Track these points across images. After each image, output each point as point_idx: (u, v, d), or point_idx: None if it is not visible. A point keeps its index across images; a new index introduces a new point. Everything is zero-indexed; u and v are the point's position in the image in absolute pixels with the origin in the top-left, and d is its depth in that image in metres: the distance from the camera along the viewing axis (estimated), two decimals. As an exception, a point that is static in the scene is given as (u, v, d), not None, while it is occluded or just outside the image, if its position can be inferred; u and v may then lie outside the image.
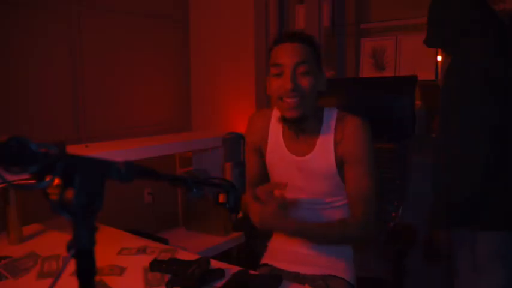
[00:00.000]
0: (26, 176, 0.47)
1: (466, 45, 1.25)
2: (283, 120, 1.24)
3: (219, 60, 3.37)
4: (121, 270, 1.18)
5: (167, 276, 1.12)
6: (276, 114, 1.35)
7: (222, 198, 0.98)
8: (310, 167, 1.28)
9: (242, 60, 3.18)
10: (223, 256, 2.23)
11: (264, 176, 1.41)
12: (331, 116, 1.28)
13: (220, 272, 1.11)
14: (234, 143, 1.12)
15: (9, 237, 1.44)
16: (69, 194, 0.50)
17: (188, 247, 2.05)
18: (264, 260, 1.43)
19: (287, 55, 1.19)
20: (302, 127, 1.26)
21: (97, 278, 0.63)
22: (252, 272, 1.12)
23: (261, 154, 1.39)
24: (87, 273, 0.52)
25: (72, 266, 0.52)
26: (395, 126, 1.53)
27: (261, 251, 1.47)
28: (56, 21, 2.61)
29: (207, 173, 2.30)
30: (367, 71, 2.38)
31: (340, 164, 1.26)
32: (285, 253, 1.38)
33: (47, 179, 0.48)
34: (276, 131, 1.34)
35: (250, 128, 1.42)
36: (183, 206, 3.01)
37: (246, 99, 3.17)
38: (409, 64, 1.90)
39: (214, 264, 1.17)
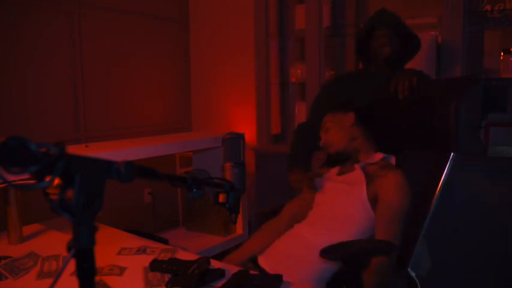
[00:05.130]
0: (26, 176, 0.47)
1: None
2: None
3: (219, 60, 3.36)
4: (121, 270, 1.18)
5: (167, 276, 1.12)
6: None
7: (222, 198, 0.98)
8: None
9: (242, 60, 3.18)
10: (223, 256, 2.23)
11: None
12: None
13: (220, 272, 1.11)
14: (234, 143, 1.11)
15: (9, 237, 1.44)
16: (69, 194, 0.50)
17: (188, 247, 2.05)
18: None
19: None
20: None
21: (97, 278, 0.63)
22: (252, 272, 1.12)
23: None
24: (87, 273, 0.52)
25: (72, 266, 0.52)
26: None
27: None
28: (57, 21, 2.61)
29: (207, 173, 2.29)
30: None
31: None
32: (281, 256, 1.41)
33: (47, 179, 0.48)
34: None
35: None
36: (183, 206, 3.01)
37: (246, 99, 3.18)
38: (408, 64, 1.90)
39: (214, 264, 1.17)
